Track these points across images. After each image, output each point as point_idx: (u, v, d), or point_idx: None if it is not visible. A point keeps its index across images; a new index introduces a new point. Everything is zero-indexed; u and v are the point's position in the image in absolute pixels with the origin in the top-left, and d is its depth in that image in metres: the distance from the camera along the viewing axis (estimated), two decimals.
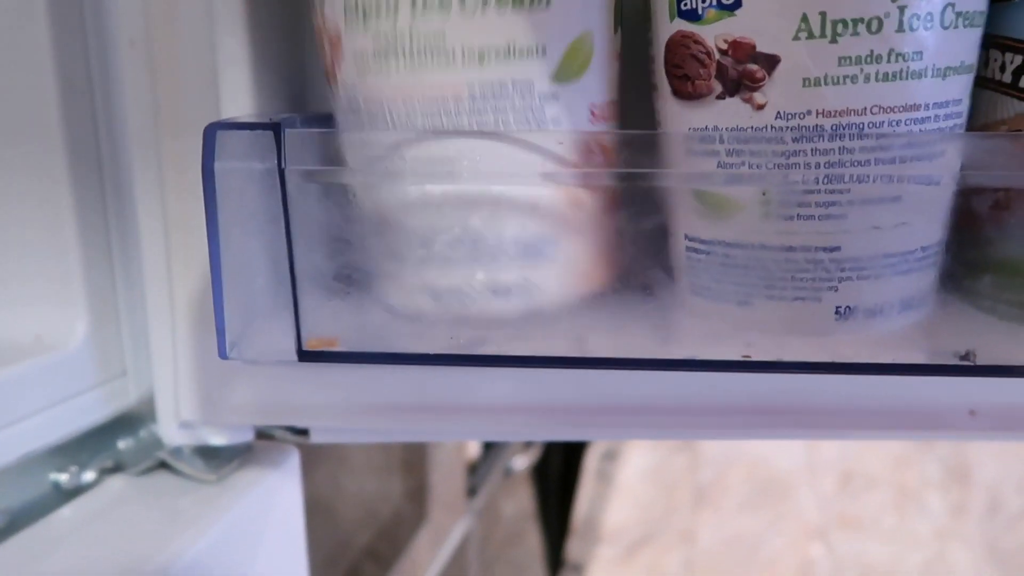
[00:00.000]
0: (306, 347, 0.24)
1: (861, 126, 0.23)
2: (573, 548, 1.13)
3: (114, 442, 0.39)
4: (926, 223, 0.24)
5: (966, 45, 0.24)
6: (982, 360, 0.24)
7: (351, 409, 0.34)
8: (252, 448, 0.37)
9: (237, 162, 0.23)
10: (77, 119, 0.34)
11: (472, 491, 0.81)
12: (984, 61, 0.26)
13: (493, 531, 0.89)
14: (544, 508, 0.97)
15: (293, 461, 0.38)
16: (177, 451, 0.35)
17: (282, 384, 0.32)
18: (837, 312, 0.25)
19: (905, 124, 0.23)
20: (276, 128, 0.23)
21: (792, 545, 1.23)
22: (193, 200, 0.30)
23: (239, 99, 0.28)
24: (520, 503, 0.99)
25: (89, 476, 0.36)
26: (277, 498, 0.37)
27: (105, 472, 0.37)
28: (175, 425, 0.35)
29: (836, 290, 0.24)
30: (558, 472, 1.06)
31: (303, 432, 0.38)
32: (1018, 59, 0.25)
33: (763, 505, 1.30)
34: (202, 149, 0.23)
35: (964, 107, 0.25)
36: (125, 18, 0.31)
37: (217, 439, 0.36)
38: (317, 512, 0.56)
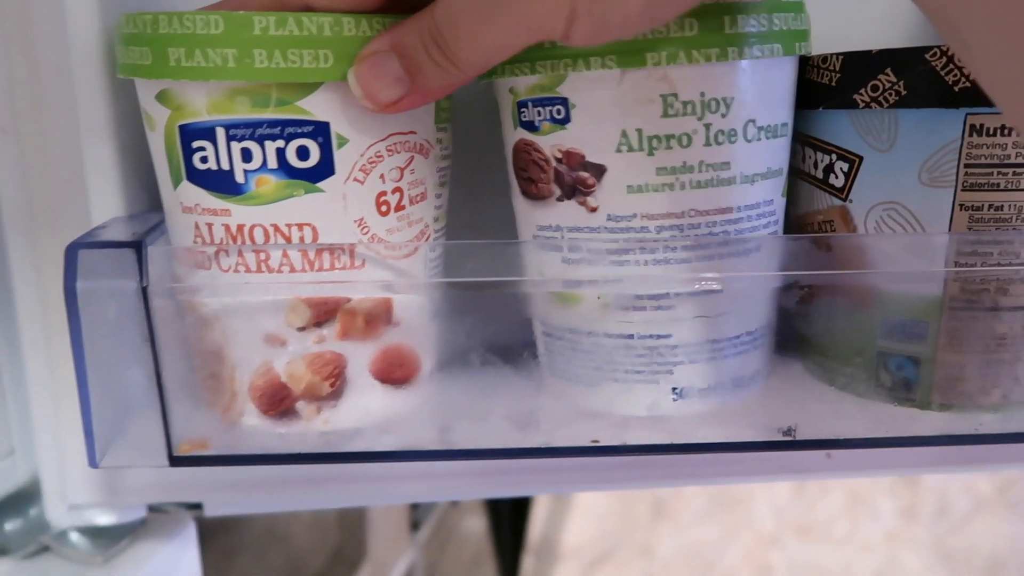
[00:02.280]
0: (177, 452, 0.25)
1: (681, 227, 0.25)
2: (529, 568, 1.13)
3: (1, 524, 0.39)
4: (748, 311, 0.27)
5: (770, 153, 0.26)
6: (802, 435, 0.26)
7: (245, 485, 0.34)
8: (144, 523, 0.37)
9: (100, 281, 0.24)
10: None
11: (415, 525, 0.81)
12: (802, 157, 0.29)
13: (446, 557, 0.89)
14: (497, 530, 0.97)
15: (189, 533, 0.38)
16: (61, 534, 0.35)
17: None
18: (674, 392, 0.27)
19: (720, 225, 0.26)
20: (137, 246, 0.24)
21: (749, 554, 1.25)
22: None
23: (106, 195, 0.29)
24: (475, 526, 0.99)
25: None
26: (172, 574, 0.37)
27: None
28: (63, 508, 0.36)
29: (671, 373, 0.27)
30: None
31: (196, 506, 0.38)
32: (825, 158, 0.28)
33: (720, 515, 1.32)
34: (64, 268, 0.24)
35: (776, 206, 0.27)
36: None
37: (107, 519, 0.36)
38: (247, 555, 0.56)
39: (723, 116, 0.25)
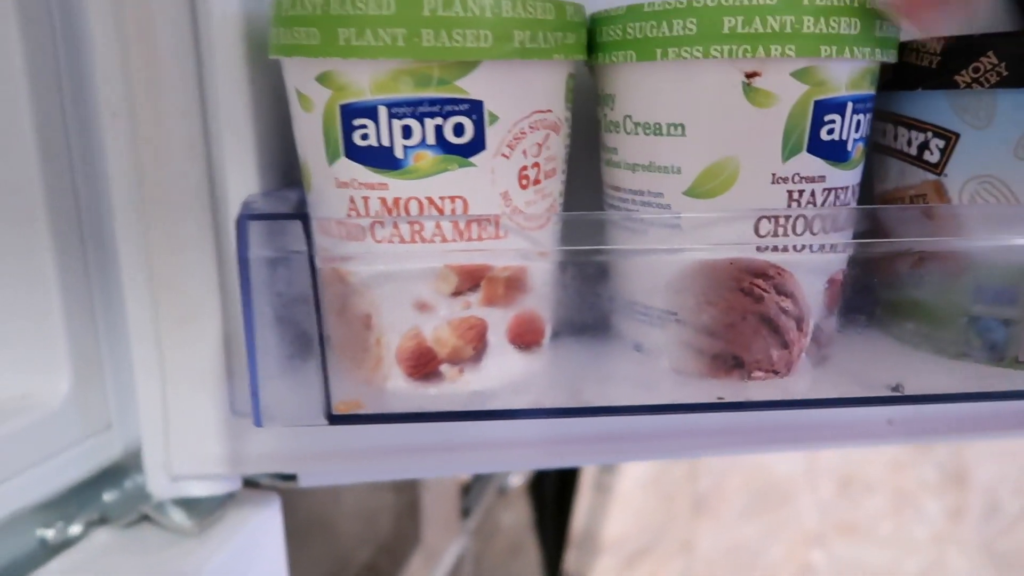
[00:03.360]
0: (335, 411, 0.27)
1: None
2: (572, 560, 1.11)
3: (100, 495, 0.40)
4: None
5: (651, 148, 0.29)
6: (910, 390, 0.28)
7: (339, 456, 0.36)
8: (235, 496, 0.39)
9: (267, 250, 0.26)
10: (57, 188, 0.36)
11: (466, 512, 0.81)
12: (894, 135, 0.31)
13: (490, 546, 0.89)
14: (541, 522, 0.97)
15: (274, 507, 0.39)
16: (160, 505, 0.37)
17: (288, 436, 0.35)
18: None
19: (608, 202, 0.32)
20: (304, 217, 0.26)
21: (791, 552, 1.23)
22: (179, 262, 0.32)
23: (245, 175, 0.31)
24: (518, 517, 0.98)
25: (75, 530, 0.37)
26: (258, 546, 0.39)
27: (91, 525, 0.38)
28: (165, 479, 0.37)
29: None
30: (554, 486, 1.05)
31: (291, 477, 0.39)
32: (920, 136, 0.30)
33: (762, 512, 1.30)
34: (236, 239, 0.25)
35: (669, 200, 0.29)
36: (106, 89, 0.32)
37: (206, 490, 0.37)
38: (313, 534, 0.57)
39: (611, 109, 0.29)
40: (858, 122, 0.28)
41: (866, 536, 1.28)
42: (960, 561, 1.23)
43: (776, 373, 0.29)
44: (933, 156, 0.30)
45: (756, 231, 0.27)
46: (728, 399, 0.28)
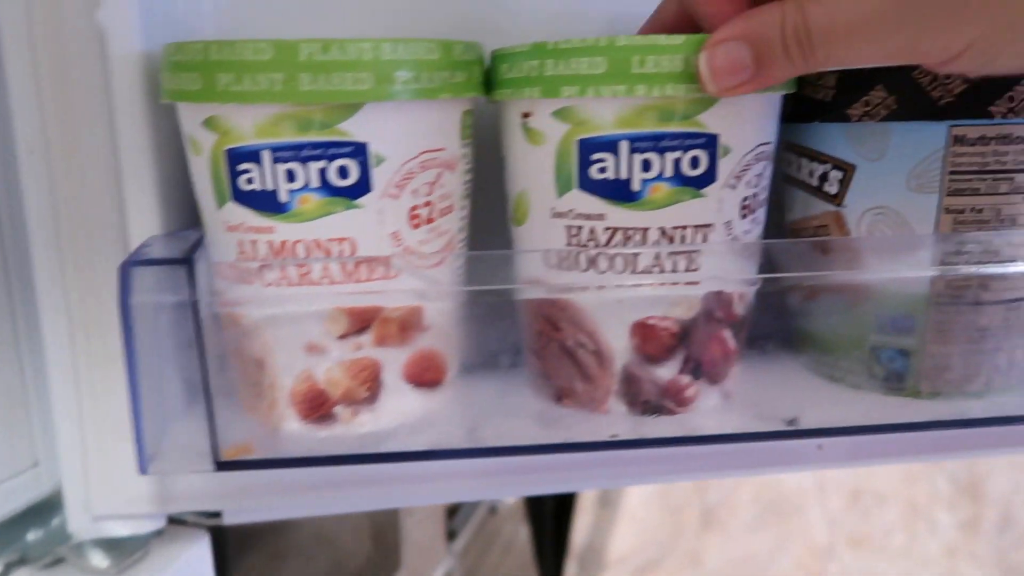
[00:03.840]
0: (223, 457, 0.27)
1: None
2: None
3: (24, 534, 0.39)
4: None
5: None
6: (804, 424, 0.28)
7: (262, 491, 0.36)
8: (160, 534, 0.38)
9: (151, 296, 0.25)
10: None
11: (452, 534, 0.79)
12: (797, 167, 0.32)
13: (483, 567, 0.86)
14: (539, 540, 0.94)
15: (202, 544, 0.39)
16: (77, 546, 0.36)
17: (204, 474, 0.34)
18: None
19: None
20: (188, 263, 0.25)
21: (801, 565, 1.20)
22: (97, 303, 0.32)
23: (145, 215, 0.30)
24: (512, 536, 0.96)
25: None
26: None
27: (11, 566, 0.37)
28: (86, 519, 0.36)
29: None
30: (553, 502, 1.03)
31: (215, 514, 0.39)
32: (820, 168, 0.30)
33: (772, 525, 1.25)
34: (118, 285, 0.25)
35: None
36: (22, 126, 0.32)
37: (128, 529, 0.37)
38: (282, 562, 0.56)
39: None
40: (645, 162, 0.26)
41: (878, 549, 1.25)
42: (974, 574, 1.21)
43: (582, 406, 0.29)
44: (832, 187, 0.30)
45: (547, 263, 0.28)
46: (622, 436, 0.28)
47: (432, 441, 0.28)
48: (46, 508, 0.39)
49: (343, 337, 0.27)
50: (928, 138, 0.27)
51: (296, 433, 0.28)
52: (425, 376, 0.29)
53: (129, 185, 0.30)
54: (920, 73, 0.27)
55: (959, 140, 0.27)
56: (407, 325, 0.28)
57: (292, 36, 0.24)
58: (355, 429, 0.28)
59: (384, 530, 0.68)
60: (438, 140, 0.27)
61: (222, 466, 0.27)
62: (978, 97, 0.26)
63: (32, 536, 0.40)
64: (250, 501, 0.37)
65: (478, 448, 0.28)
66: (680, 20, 0.29)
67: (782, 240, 0.28)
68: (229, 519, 0.39)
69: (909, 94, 0.27)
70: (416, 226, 0.27)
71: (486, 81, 0.29)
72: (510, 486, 0.32)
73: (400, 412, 0.29)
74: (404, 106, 0.26)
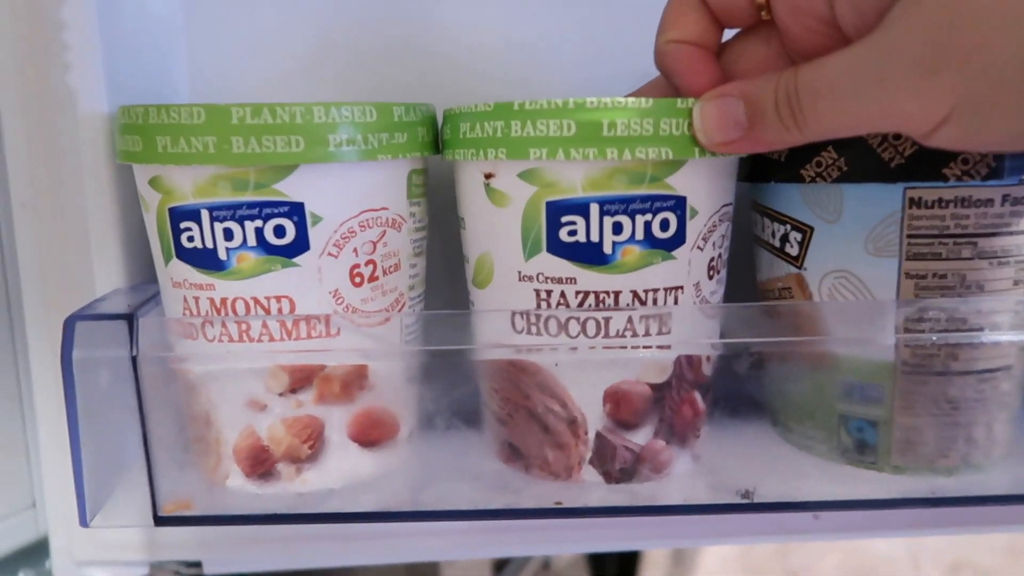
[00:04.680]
0: (162, 512, 0.27)
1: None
2: None
3: (15, 573, 0.40)
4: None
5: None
6: (760, 497, 0.27)
7: (242, 543, 0.36)
8: None
9: (95, 351, 0.26)
10: None
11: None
12: (761, 226, 0.31)
13: None
14: None
15: None
16: None
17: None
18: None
19: None
20: (129, 318, 0.26)
21: None
22: None
23: (111, 269, 0.31)
24: None
25: None
26: None
27: None
28: (70, 564, 0.37)
29: None
30: (615, 559, 0.98)
31: (196, 564, 0.39)
32: (781, 228, 0.29)
33: None
34: (62, 338, 0.26)
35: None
36: (15, 179, 0.33)
37: None
38: None
39: None
40: (616, 224, 0.26)
41: None
42: None
43: (554, 475, 0.28)
44: (793, 249, 0.29)
45: (513, 326, 0.27)
46: (566, 504, 0.27)
47: (377, 502, 0.28)
48: (39, 550, 0.40)
49: (284, 394, 0.27)
50: (883, 200, 0.26)
51: (240, 489, 0.28)
52: (372, 435, 0.29)
53: (95, 240, 0.31)
54: (870, 134, 0.26)
55: (915, 203, 0.26)
56: (349, 383, 0.28)
57: (267, 97, 0.25)
58: (299, 487, 0.28)
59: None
60: (380, 199, 0.27)
61: (161, 521, 0.27)
62: (931, 159, 0.25)
63: None
64: (230, 552, 0.37)
65: (417, 511, 0.27)
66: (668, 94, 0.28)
67: (736, 304, 0.27)
68: (209, 570, 0.39)
69: (859, 155, 0.26)
70: (358, 284, 0.27)
71: (436, 140, 0.29)
72: (455, 548, 0.32)
73: (345, 471, 0.28)
74: (341, 167, 0.26)
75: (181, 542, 0.36)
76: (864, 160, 0.26)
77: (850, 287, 0.28)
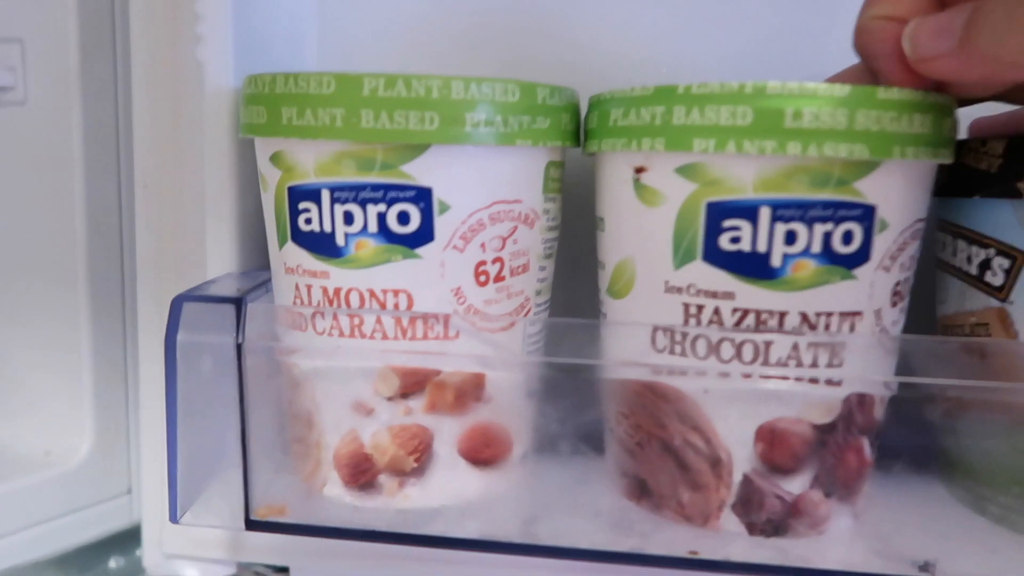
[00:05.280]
0: (254, 516, 0.25)
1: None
2: None
3: (106, 560, 0.40)
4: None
5: None
6: (943, 572, 0.22)
7: (331, 553, 0.34)
8: None
9: (200, 334, 0.24)
10: (102, 255, 0.37)
11: None
12: (953, 250, 0.26)
13: None
14: None
15: None
16: None
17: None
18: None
19: None
20: (238, 302, 0.24)
21: None
22: None
23: (224, 251, 0.30)
24: None
25: None
26: None
27: None
28: (159, 555, 0.36)
29: None
30: None
31: (284, 569, 0.38)
32: (981, 253, 0.25)
33: None
34: (168, 319, 0.24)
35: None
36: (140, 162, 0.32)
37: (198, 572, 0.36)
38: None
39: None
40: (789, 233, 0.22)
41: None
42: None
43: (688, 519, 0.24)
44: (996, 278, 0.24)
45: (653, 344, 0.23)
46: (703, 555, 0.23)
47: (483, 529, 0.25)
48: (132, 537, 0.39)
49: (393, 399, 0.25)
50: None
51: (338, 498, 0.26)
52: (483, 453, 0.26)
53: (211, 220, 0.29)
54: None
55: None
56: (464, 393, 0.25)
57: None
58: (400, 502, 0.25)
59: None
60: (514, 191, 0.24)
61: (252, 525, 0.25)
62: None
63: (114, 563, 0.40)
64: (321, 562, 0.35)
65: (529, 545, 0.24)
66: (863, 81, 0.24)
67: (930, 336, 0.23)
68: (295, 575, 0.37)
69: None
70: (483, 283, 0.25)
71: (578, 130, 0.26)
72: None
73: (451, 490, 0.26)
74: (476, 151, 0.23)
75: (272, 546, 0.34)
76: None
77: None
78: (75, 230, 0.36)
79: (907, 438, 0.25)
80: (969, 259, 0.25)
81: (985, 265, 0.25)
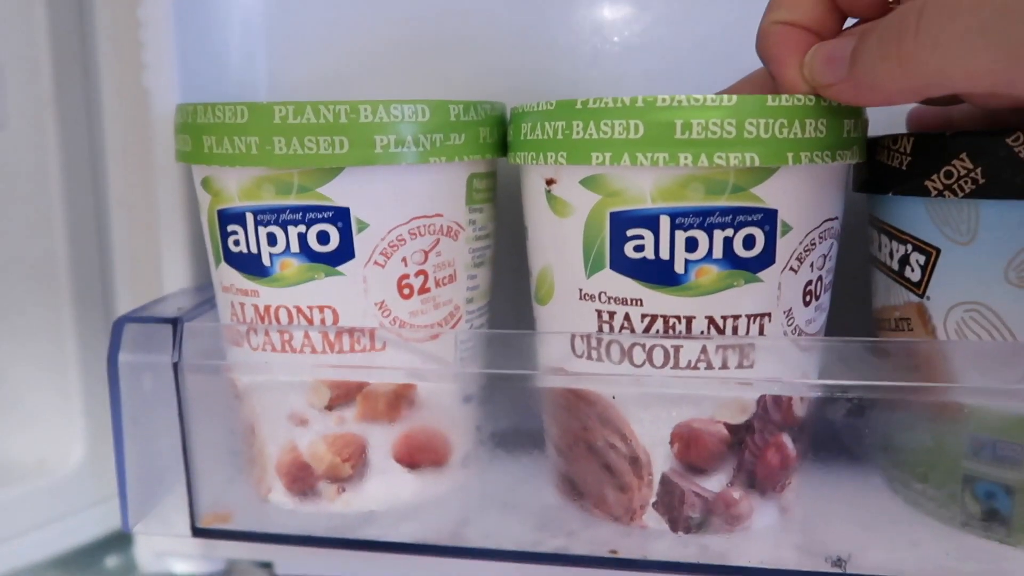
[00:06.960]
0: (201, 524, 0.26)
1: None
2: None
3: (103, 560, 0.42)
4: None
5: None
6: (854, 567, 0.23)
7: (314, 548, 0.35)
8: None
9: (140, 354, 0.25)
10: (83, 269, 0.38)
11: None
12: (878, 244, 0.26)
13: None
14: None
15: None
16: None
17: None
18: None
19: None
20: (174, 322, 0.25)
21: None
22: None
23: (176, 268, 0.31)
24: None
25: None
26: None
27: None
28: (151, 553, 0.37)
29: None
30: None
31: (267, 565, 0.39)
32: (901, 248, 0.25)
33: None
34: (110, 340, 0.25)
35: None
36: (113, 179, 0.34)
37: (188, 568, 0.37)
38: None
39: None
40: (690, 240, 0.22)
41: None
42: None
43: (615, 518, 0.25)
44: (914, 273, 0.24)
45: (572, 350, 0.24)
46: (623, 554, 0.24)
47: (418, 531, 0.26)
48: (128, 537, 0.41)
49: (327, 410, 0.26)
50: None
51: (282, 505, 0.27)
52: (417, 457, 0.27)
53: (164, 238, 0.31)
54: (1015, 140, 0.21)
55: None
56: (395, 401, 0.26)
57: (348, 97, 0.23)
58: (339, 507, 0.26)
59: None
60: (434, 205, 0.25)
61: (198, 532, 0.26)
62: None
63: (111, 562, 0.42)
64: (303, 556, 0.36)
65: (456, 548, 0.25)
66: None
67: (836, 338, 0.23)
68: (280, 571, 0.39)
69: (1001, 164, 0.21)
70: (407, 296, 0.25)
71: (504, 142, 0.27)
72: None
73: (387, 494, 0.27)
74: (390, 170, 0.24)
75: (255, 543, 0.35)
76: (1007, 170, 0.21)
77: (984, 323, 0.23)
78: (56, 249, 0.38)
79: (835, 433, 0.25)
80: (891, 254, 0.25)
81: (904, 260, 0.25)
